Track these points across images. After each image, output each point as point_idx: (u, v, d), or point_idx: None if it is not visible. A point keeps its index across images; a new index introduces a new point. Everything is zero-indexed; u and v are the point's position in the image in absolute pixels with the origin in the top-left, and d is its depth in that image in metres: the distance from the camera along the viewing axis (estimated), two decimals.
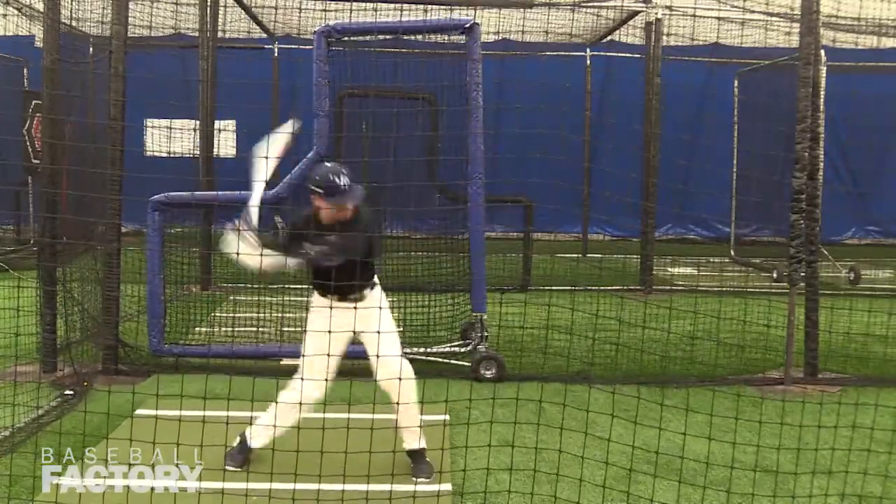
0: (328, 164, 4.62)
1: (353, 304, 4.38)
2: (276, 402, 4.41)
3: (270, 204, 7.47)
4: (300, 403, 4.29)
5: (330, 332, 4.22)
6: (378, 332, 4.31)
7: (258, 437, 4.49)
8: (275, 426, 4.40)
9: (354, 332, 4.41)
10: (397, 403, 4.38)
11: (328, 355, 4.25)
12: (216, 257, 9.89)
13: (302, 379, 4.31)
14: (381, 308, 4.46)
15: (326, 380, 4.34)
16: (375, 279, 4.56)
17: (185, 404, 4.03)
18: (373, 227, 4.51)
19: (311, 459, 3.91)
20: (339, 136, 8.23)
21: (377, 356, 4.38)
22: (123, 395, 4.68)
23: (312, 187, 4.32)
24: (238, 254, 4.27)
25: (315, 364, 4.32)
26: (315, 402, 4.32)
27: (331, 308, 4.33)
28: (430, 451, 4.51)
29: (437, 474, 4.44)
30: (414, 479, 4.37)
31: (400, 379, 4.27)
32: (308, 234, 4.30)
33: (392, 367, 4.31)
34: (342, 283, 4.26)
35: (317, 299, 4.48)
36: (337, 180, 4.26)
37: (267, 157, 4.46)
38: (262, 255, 4.25)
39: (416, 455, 4.50)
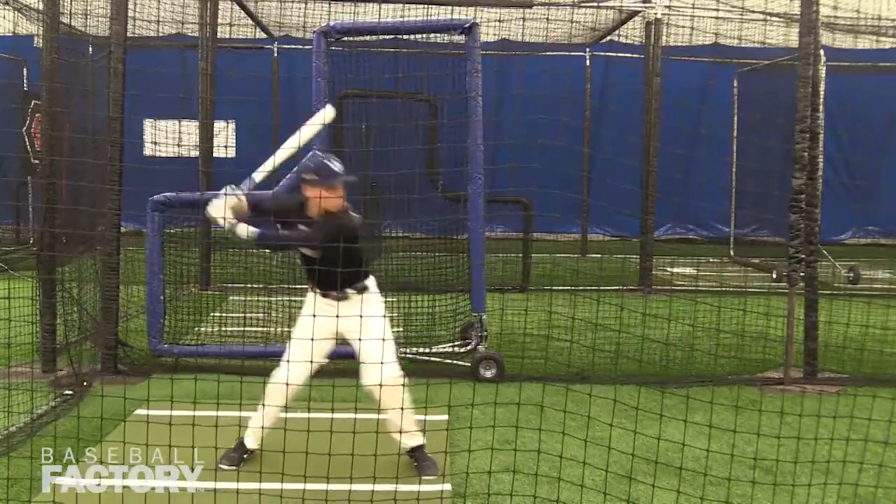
0: (319, 152, 4.68)
1: (335, 302, 4.42)
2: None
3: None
4: (287, 384, 4.33)
5: (314, 315, 4.32)
6: (360, 339, 4.31)
7: (251, 435, 4.52)
8: (263, 405, 4.44)
9: (337, 335, 4.47)
10: (379, 409, 4.39)
11: (312, 339, 4.28)
12: (215, 257, 9.91)
13: (288, 361, 4.35)
14: (370, 316, 4.39)
15: (311, 361, 4.38)
16: (368, 283, 4.54)
17: (183, 404, 4.03)
18: (360, 230, 4.55)
19: (315, 460, 3.90)
20: (338, 137, 8.22)
21: (362, 362, 4.40)
22: (122, 395, 4.67)
23: (305, 175, 4.42)
24: (224, 219, 4.33)
25: (298, 349, 4.39)
26: (294, 383, 4.35)
27: (314, 301, 4.46)
28: (430, 452, 4.50)
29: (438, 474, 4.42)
30: (420, 477, 4.35)
31: (381, 385, 4.28)
32: (291, 219, 4.43)
33: (373, 376, 4.31)
34: (323, 277, 4.32)
35: (309, 291, 4.57)
36: (330, 164, 4.42)
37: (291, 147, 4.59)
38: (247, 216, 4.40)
39: (417, 452, 4.49)
